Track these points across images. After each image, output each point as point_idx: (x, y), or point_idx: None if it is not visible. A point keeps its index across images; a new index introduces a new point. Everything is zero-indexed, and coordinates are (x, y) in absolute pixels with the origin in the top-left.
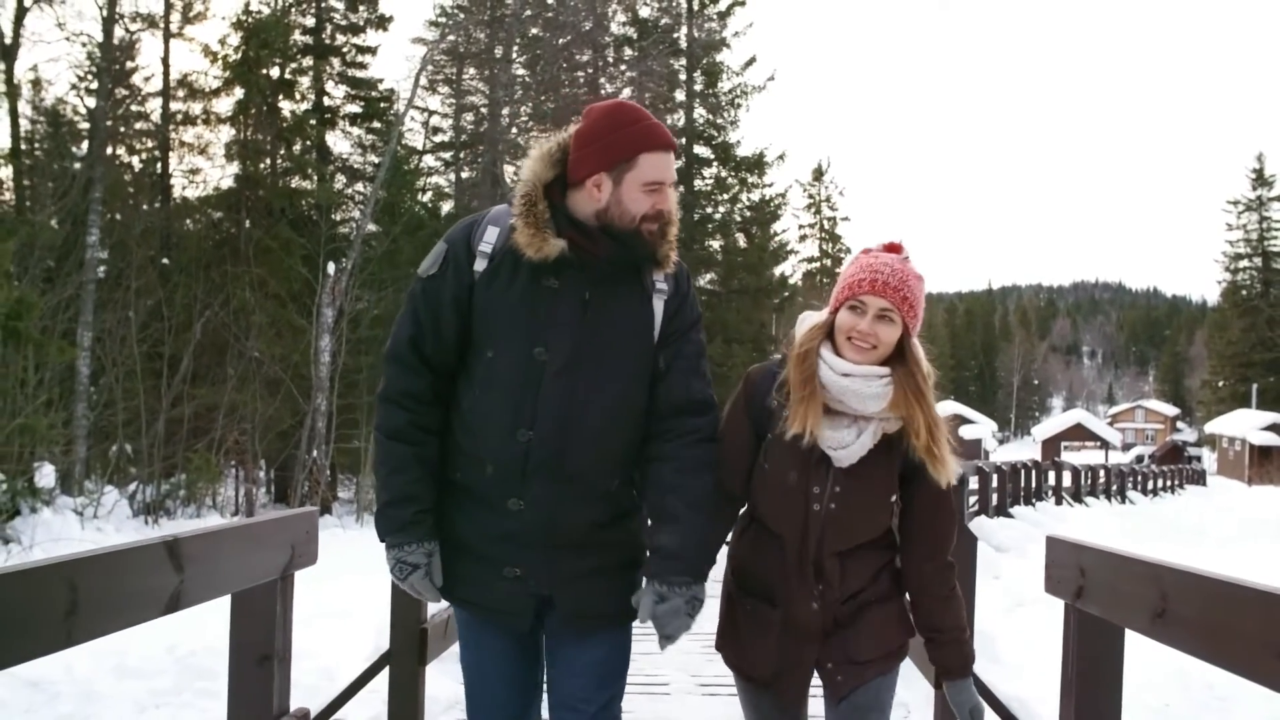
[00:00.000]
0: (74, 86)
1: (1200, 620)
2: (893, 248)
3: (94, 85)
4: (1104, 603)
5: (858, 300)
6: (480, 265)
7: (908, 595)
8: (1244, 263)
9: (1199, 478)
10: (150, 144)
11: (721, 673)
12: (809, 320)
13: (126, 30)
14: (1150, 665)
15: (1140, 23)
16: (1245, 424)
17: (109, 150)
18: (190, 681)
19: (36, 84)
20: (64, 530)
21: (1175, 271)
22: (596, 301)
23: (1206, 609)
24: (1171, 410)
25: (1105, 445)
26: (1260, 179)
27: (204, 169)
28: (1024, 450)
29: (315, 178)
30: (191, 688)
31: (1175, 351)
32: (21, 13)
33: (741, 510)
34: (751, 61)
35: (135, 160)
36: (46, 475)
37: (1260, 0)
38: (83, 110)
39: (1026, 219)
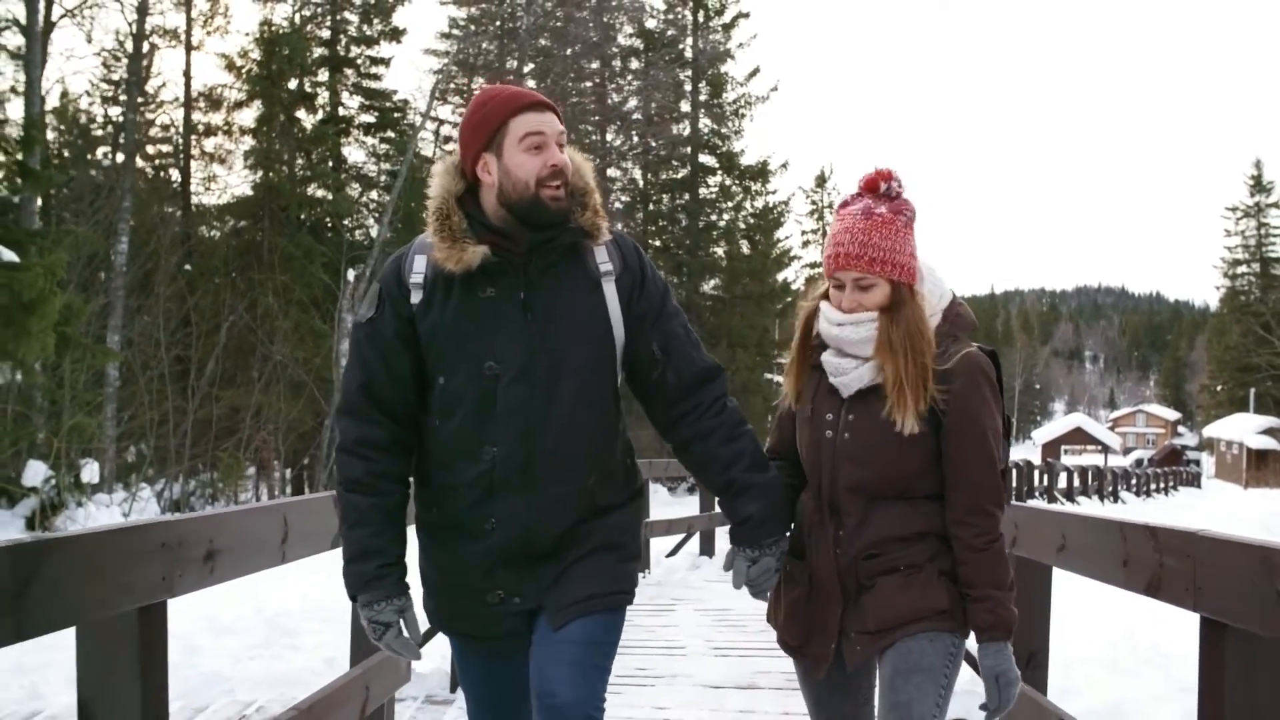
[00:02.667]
0: (105, 99)
1: (1084, 549)
2: (870, 184)
3: (121, 96)
4: (1029, 546)
5: (835, 278)
6: (416, 297)
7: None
8: (1242, 268)
9: (1193, 480)
10: (171, 151)
11: (732, 639)
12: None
13: (154, 45)
14: (1104, 627)
15: (1144, 25)
16: (1243, 428)
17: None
18: (277, 638)
19: (64, 96)
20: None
21: (1178, 276)
22: (536, 300)
23: (1088, 541)
24: (1172, 414)
25: (1105, 449)
26: (1258, 185)
27: (224, 178)
28: (1025, 454)
29: (333, 188)
30: (279, 643)
31: (1176, 356)
32: (49, 27)
33: None
34: (755, 72)
35: (158, 170)
36: (91, 472)
37: (1264, 6)
38: (104, 120)
39: (1030, 223)
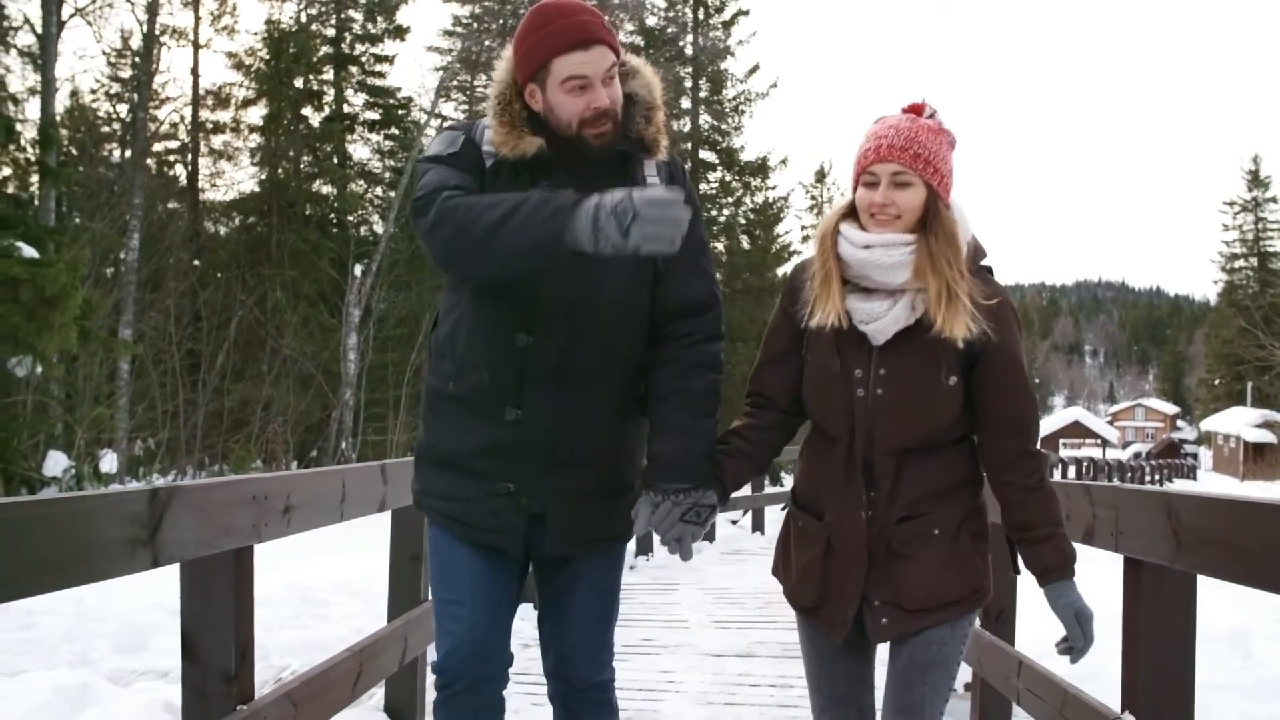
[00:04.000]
0: (109, 96)
1: (1086, 517)
2: (915, 108)
3: (132, 96)
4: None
5: (869, 172)
6: (488, 162)
7: (995, 495)
8: (1240, 263)
9: (1189, 473)
10: (178, 148)
11: (732, 613)
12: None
13: (166, 46)
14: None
15: (1145, 19)
16: (1240, 421)
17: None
18: (307, 609)
19: (74, 94)
20: None
21: (1178, 270)
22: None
23: (1094, 511)
24: (1171, 408)
25: (1103, 443)
26: (1256, 180)
27: (231, 174)
28: None
29: (340, 184)
30: (308, 613)
31: (1176, 350)
32: (59, 26)
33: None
34: (755, 69)
35: (162, 166)
36: (110, 462)
37: (1263, 3)
38: (113, 116)
39: (1030, 218)
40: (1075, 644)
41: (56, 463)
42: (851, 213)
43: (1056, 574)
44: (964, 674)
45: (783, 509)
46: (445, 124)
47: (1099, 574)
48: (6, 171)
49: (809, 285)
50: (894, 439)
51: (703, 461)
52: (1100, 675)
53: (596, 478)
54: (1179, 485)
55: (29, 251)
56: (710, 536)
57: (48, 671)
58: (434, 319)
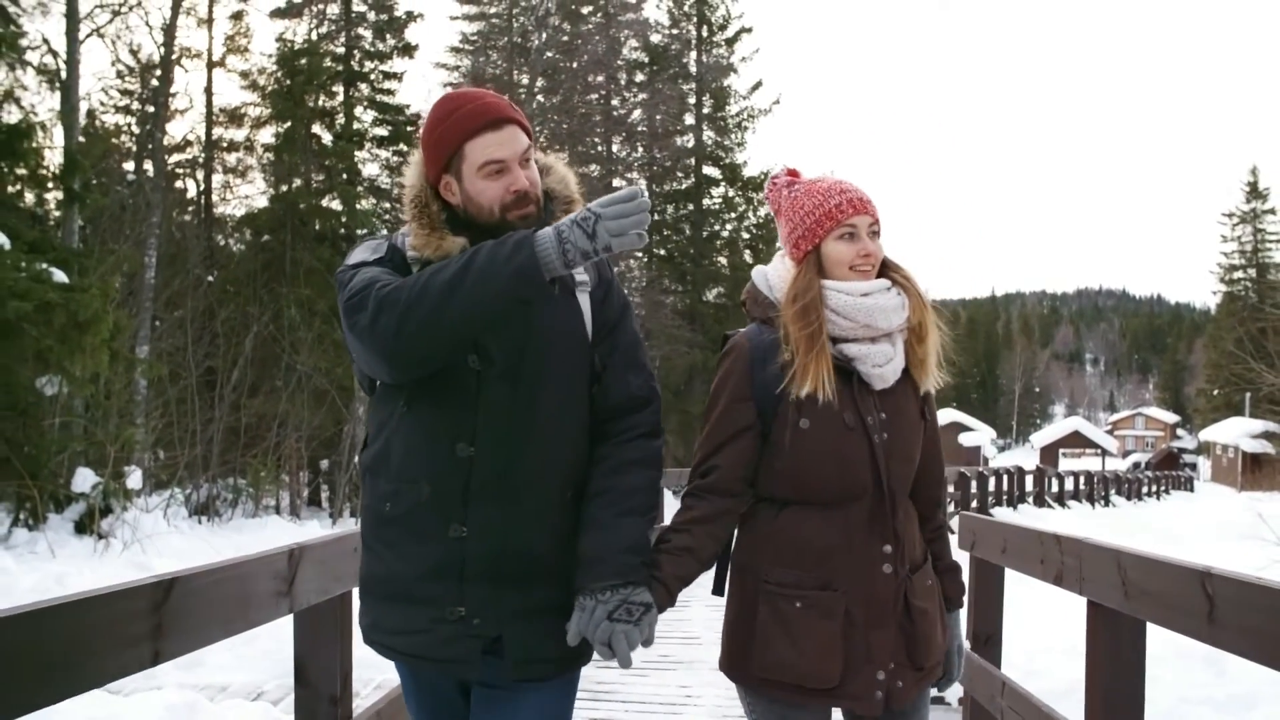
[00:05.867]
0: (118, 108)
1: (1018, 550)
2: (795, 173)
3: (145, 108)
4: (984, 549)
5: (849, 225)
6: (413, 268)
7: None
8: (1238, 274)
9: (1186, 484)
10: (190, 165)
11: None
12: (772, 273)
13: (183, 67)
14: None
15: (1147, 26)
16: (1238, 431)
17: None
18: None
19: (90, 114)
20: (154, 527)
21: (1180, 279)
22: None
23: (1020, 544)
24: (1171, 418)
25: (1103, 452)
26: (1254, 192)
27: (244, 191)
28: (1024, 457)
29: (351, 201)
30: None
31: (1176, 359)
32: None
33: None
34: (758, 86)
35: (173, 178)
36: (136, 478)
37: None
38: (126, 130)
39: (1031, 226)
40: (952, 675)
41: (85, 479)
42: (819, 271)
43: (954, 604)
44: (958, 690)
45: (718, 593)
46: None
47: (1071, 611)
48: (30, 196)
49: (784, 351)
50: (905, 476)
51: (627, 555)
52: (1071, 694)
53: (551, 591)
54: (1175, 497)
55: (59, 275)
56: None
57: (156, 691)
58: (364, 440)
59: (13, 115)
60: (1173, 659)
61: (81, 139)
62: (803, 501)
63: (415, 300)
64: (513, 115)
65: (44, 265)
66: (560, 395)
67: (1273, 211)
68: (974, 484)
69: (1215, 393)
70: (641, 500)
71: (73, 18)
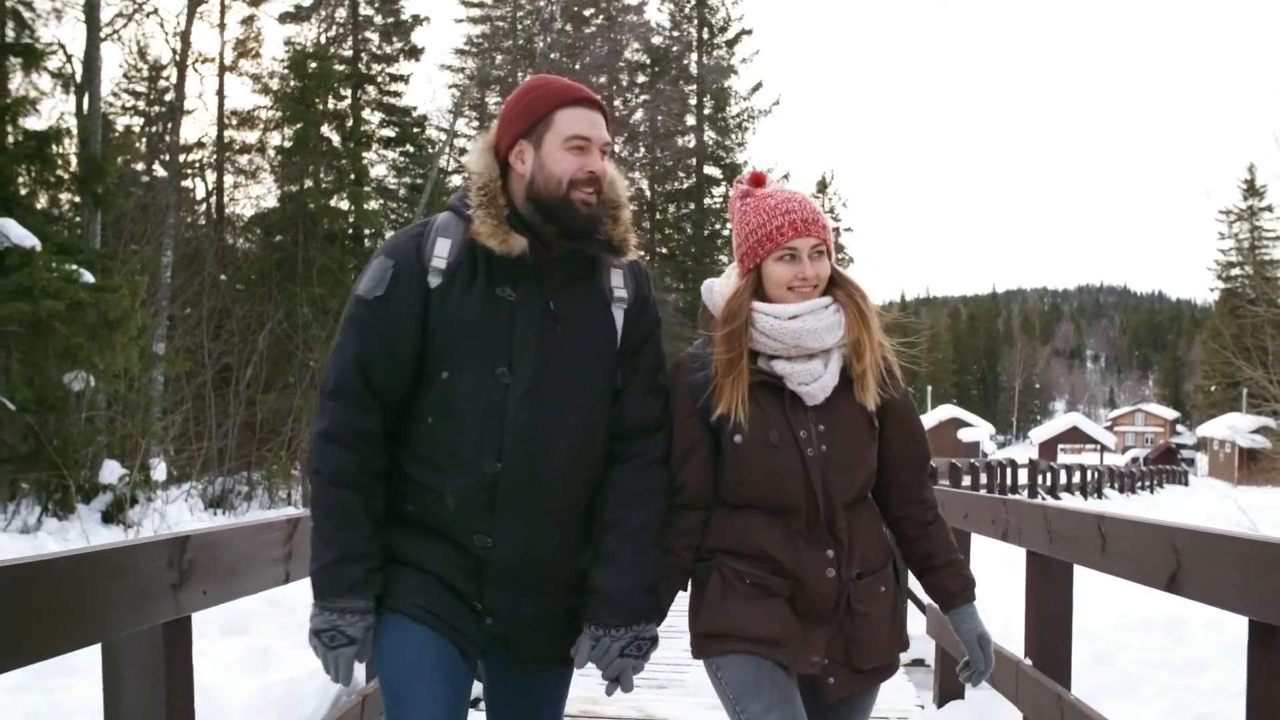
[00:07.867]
0: (125, 108)
1: (976, 517)
2: (759, 178)
3: (156, 109)
4: (950, 518)
5: (789, 248)
6: (435, 281)
7: (889, 529)
8: (1236, 270)
9: (1181, 478)
10: (199, 166)
11: None
12: (718, 288)
13: (197, 71)
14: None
15: (1148, 23)
16: (1234, 427)
17: (179, 183)
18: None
19: (106, 118)
20: (178, 518)
21: (1181, 275)
22: (560, 312)
23: (977, 514)
24: (1171, 414)
25: (1101, 448)
26: (1251, 189)
27: (254, 192)
28: (1023, 453)
29: (359, 202)
30: None
31: (1175, 356)
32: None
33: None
34: (758, 87)
35: (184, 176)
36: (160, 470)
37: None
38: (139, 132)
39: (1032, 222)
40: (977, 666)
41: (112, 471)
42: (754, 292)
43: (960, 599)
44: (920, 649)
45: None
46: (381, 244)
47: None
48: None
49: (710, 372)
50: (847, 489)
51: (643, 596)
52: (1012, 639)
53: (562, 596)
54: (1168, 491)
55: (87, 276)
56: None
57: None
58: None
59: (37, 122)
60: (1137, 627)
61: (103, 141)
62: (751, 506)
63: (314, 493)
64: (604, 105)
65: (73, 266)
66: (586, 414)
67: (1270, 209)
68: (966, 477)
69: (1213, 389)
70: (654, 534)
71: (93, 25)
